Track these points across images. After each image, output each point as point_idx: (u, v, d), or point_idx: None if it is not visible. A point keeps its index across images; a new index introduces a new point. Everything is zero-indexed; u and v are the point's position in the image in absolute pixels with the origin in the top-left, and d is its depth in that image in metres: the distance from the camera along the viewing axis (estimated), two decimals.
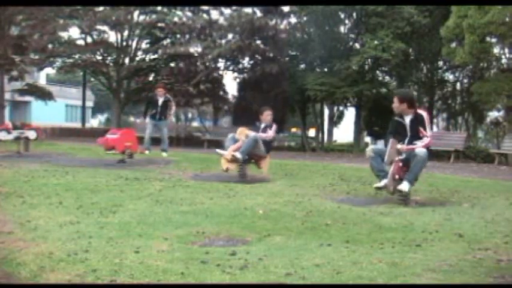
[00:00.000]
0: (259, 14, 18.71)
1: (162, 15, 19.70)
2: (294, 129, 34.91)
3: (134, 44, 21.40)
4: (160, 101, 11.47)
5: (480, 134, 22.54)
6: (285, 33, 18.66)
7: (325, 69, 18.71)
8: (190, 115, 39.91)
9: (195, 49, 19.83)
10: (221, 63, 20.67)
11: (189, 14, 19.83)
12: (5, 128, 12.10)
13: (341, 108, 27.03)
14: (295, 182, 7.00)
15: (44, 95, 21.94)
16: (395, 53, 15.77)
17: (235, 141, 7.34)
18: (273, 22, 18.56)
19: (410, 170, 5.52)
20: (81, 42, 20.83)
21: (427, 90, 21.16)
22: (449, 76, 22.05)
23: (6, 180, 6.06)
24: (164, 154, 11.10)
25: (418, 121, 5.61)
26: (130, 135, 9.29)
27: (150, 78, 22.27)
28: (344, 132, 31.00)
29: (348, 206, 5.07)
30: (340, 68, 16.82)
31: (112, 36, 21.06)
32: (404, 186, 5.41)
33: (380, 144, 7.06)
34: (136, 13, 19.91)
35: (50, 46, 19.52)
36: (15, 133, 11.13)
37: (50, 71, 31.35)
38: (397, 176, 5.49)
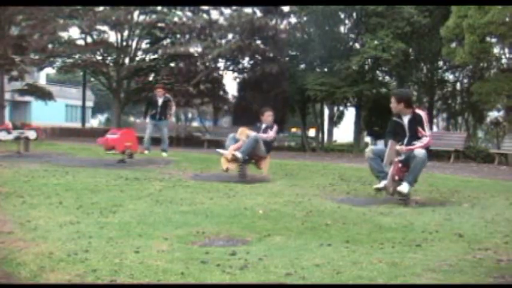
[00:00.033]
0: (259, 14, 18.71)
1: (162, 15, 19.70)
2: (294, 129, 34.91)
3: (134, 44, 21.40)
4: (160, 101, 11.48)
5: (480, 134, 22.52)
6: (285, 33, 18.66)
7: (325, 69, 18.70)
8: (190, 115, 39.92)
9: (195, 49, 19.85)
10: (221, 63, 20.68)
11: (189, 14, 19.84)
12: (5, 128, 12.09)
13: (341, 108, 27.02)
14: (295, 182, 7.00)
15: (44, 95, 21.94)
16: (395, 53, 15.76)
17: (236, 141, 7.35)
18: (273, 22, 18.57)
19: (410, 171, 5.51)
20: (81, 42, 20.84)
21: (427, 90, 21.15)
22: (449, 76, 22.05)
23: (6, 180, 6.06)
24: (164, 154, 11.11)
25: (416, 121, 5.59)
26: (130, 135, 9.29)
27: (150, 78, 22.27)
28: (344, 132, 31.00)
29: (348, 206, 5.07)
30: (340, 68, 16.82)
31: (112, 36, 21.09)
32: (404, 187, 5.41)
33: (380, 144, 7.07)
34: (136, 13, 19.92)
35: (50, 46, 19.53)
36: (15, 133, 11.12)
37: (50, 71, 31.36)
38: (396, 177, 5.49)
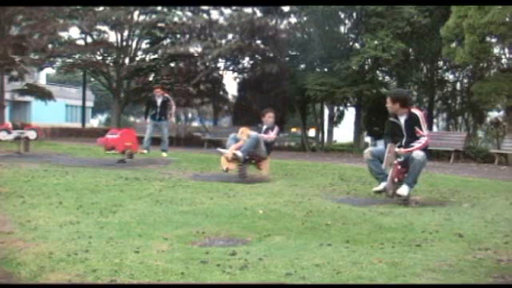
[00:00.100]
0: (259, 14, 18.73)
1: (162, 15, 19.71)
2: (294, 129, 34.91)
3: (134, 44, 21.41)
4: (159, 101, 11.49)
5: (480, 134, 22.51)
6: (285, 33, 18.66)
7: (325, 69, 18.70)
8: (190, 115, 39.91)
9: (195, 49, 19.87)
10: (221, 63, 20.69)
11: (189, 14, 19.85)
12: (5, 128, 12.10)
13: (341, 108, 27.02)
14: (295, 182, 7.00)
15: (44, 95, 21.94)
16: (395, 53, 15.76)
17: (237, 140, 7.36)
18: (273, 22, 18.57)
19: (409, 173, 5.49)
20: (81, 42, 20.86)
21: (427, 90, 21.15)
22: (449, 76, 22.05)
23: (6, 180, 6.06)
24: (164, 154, 11.11)
25: (413, 121, 5.55)
26: (130, 135, 9.30)
27: (150, 78, 22.28)
28: (344, 132, 30.99)
29: (348, 206, 5.07)
30: (340, 68, 16.82)
31: (112, 36, 21.12)
32: (403, 190, 5.39)
33: (380, 144, 7.05)
34: (136, 13, 19.93)
35: (50, 46, 19.54)
36: (15, 133, 11.14)
37: (50, 71, 31.41)
38: (396, 179, 5.48)
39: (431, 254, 3.21)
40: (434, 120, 23.65)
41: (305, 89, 17.16)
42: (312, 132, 26.61)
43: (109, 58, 21.37)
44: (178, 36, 20.11)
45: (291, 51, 19.62)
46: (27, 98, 25.96)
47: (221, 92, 22.37)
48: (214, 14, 19.65)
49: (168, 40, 20.97)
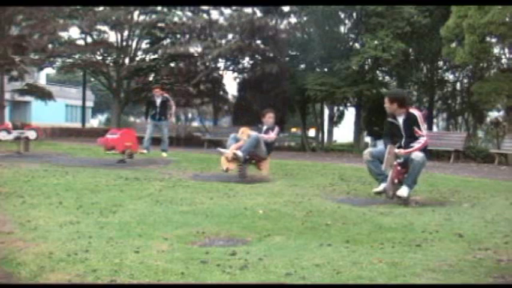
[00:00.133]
0: (259, 14, 18.72)
1: (162, 15, 19.71)
2: (294, 129, 34.91)
3: (134, 44, 21.41)
4: (158, 101, 11.50)
5: (480, 134, 22.51)
6: (285, 33, 18.66)
7: (325, 69, 18.70)
8: (190, 115, 39.92)
9: (195, 49, 19.86)
10: (221, 63, 20.69)
11: (189, 14, 19.85)
12: (5, 128, 12.09)
13: (341, 108, 27.02)
14: (295, 182, 7.00)
15: (44, 95, 21.94)
16: (395, 53, 15.76)
17: (237, 140, 7.36)
18: (273, 22, 18.57)
19: (409, 174, 5.49)
20: (81, 42, 20.86)
21: (427, 90, 21.15)
22: (449, 76, 22.05)
23: (6, 180, 6.06)
24: (164, 154, 11.11)
25: (411, 121, 5.54)
26: (130, 135, 9.30)
27: (150, 78, 22.28)
28: (344, 132, 31.00)
29: (348, 206, 5.07)
30: (340, 68, 16.82)
31: (112, 36, 21.11)
32: (403, 191, 5.39)
33: (379, 144, 7.05)
34: (136, 13, 19.93)
35: (50, 46, 19.54)
36: (15, 133, 11.13)
37: (50, 71, 31.39)
38: (396, 181, 5.48)
39: (431, 254, 3.21)
40: (434, 120, 23.66)
41: (305, 89, 17.16)
42: (312, 132, 26.61)
43: (109, 58, 21.37)
44: (178, 36, 20.10)
45: (291, 51, 19.61)
46: (27, 98, 25.97)
47: (221, 92, 22.37)
48: (214, 14, 19.69)
49: (168, 40, 20.97)
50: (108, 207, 4.58)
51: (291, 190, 6.13)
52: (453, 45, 15.02)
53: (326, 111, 25.42)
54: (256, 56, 19.24)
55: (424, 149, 5.53)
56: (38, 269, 2.74)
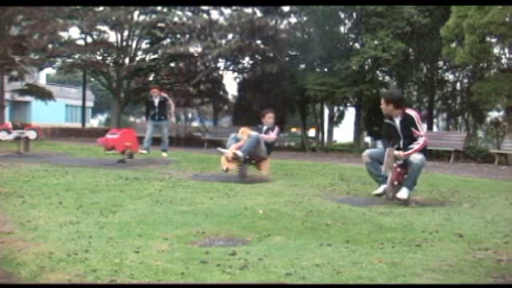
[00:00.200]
0: (259, 14, 18.72)
1: (162, 15, 19.71)
2: (294, 129, 34.91)
3: (134, 44, 21.41)
4: (156, 101, 11.50)
5: (480, 134, 22.52)
6: (285, 33, 18.66)
7: (325, 69, 18.70)
8: (190, 115, 39.91)
9: (195, 49, 19.87)
10: (221, 63, 20.70)
11: (189, 14, 19.85)
12: (5, 128, 12.09)
13: (341, 108, 27.03)
14: (295, 182, 7.00)
15: (44, 95, 21.94)
16: (395, 53, 15.76)
17: (237, 140, 7.35)
18: (273, 22, 18.57)
19: (408, 176, 5.48)
20: (81, 42, 20.86)
21: (427, 90, 21.15)
22: (449, 76, 22.06)
23: (6, 180, 6.06)
24: (164, 154, 11.11)
25: (408, 122, 5.52)
26: (130, 135, 9.30)
27: (150, 78, 22.28)
28: (344, 132, 31.01)
29: (348, 206, 5.07)
30: (340, 68, 16.82)
31: (112, 36, 21.12)
32: (403, 193, 5.38)
33: (379, 144, 7.05)
34: (136, 13, 19.94)
35: (50, 46, 19.54)
36: (15, 133, 11.13)
37: (50, 71, 31.39)
38: (396, 182, 5.47)
39: (431, 254, 3.21)
40: (434, 120, 23.66)
41: (305, 89, 17.16)
42: (312, 132, 26.61)
43: (109, 58, 21.38)
44: (178, 36, 20.11)
45: (291, 51, 19.61)
46: (27, 98, 25.97)
47: (221, 92, 22.37)
48: (214, 14, 19.69)
49: (168, 40, 20.97)
50: (108, 207, 4.58)
51: (291, 190, 6.13)
52: (453, 45, 15.03)
53: (326, 111, 25.44)
54: (256, 56, 19.24)
55: (423, 150, 5.52)
56: (38, 269, 2.74)
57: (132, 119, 44.70)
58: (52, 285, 2.57)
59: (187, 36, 19.55)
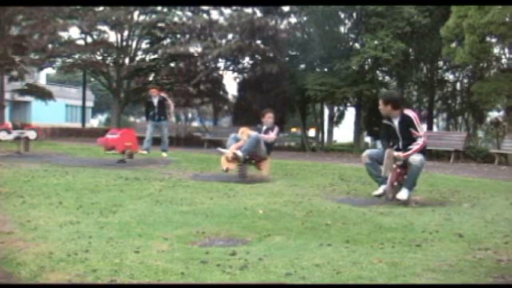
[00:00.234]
0: (259, 14, 18.72)
1: (162, 15, 19.71)
2: (294, 129, 34.91)
3: (134, 44, 21.41)
4: (155, 101, 11.50)
5: (480, 134, 22.52)
6: (285, 33, 18.66)
7: (325, 69, 18.70)
8: (190, 115, 39.92)
9: (195, 49, 19.87)
10: (221, 63, 20.69)
11: (189, 14, 19.84)
12: (5, 128, 12.09)
13: (341, 108, 27.02)
14: (295, 182, 7.00)
15: (44, 95, 21.94)
16: (395, 53, 15.77)
17: (237, 140, 7.36)
18: (273, 22, 18.56)
19: (408, 177, 5.47)
20: (81, 42, 20.85)
21: (427, 90, 21.16)
22: (449, 76, 22.06)
23: (6, 180, 6.06)
24: (164, 154, 11.11)
25: (406, 122, 5.51)
26: (130, 135, 9.30)
27: (150, 78, 22.28)
28: (344, 132, 31.01)
29: (348, 206, 5.07)
30: (340, 68, 16.82)
31: (112, 36, 21.12)
32: (403, 194, 5.37)
33: (379, 144, 7.04)
34: (136, 13, 19.93)
35: (50, 46, 19.54)
36: (15, 133, 11.12)
37: (50, 71, 31.38)
38: (396, 183, 5.47)
39: (431, 254, 3.21)
40: (434, 120, 23.66)
41: (305, 89, 17.16)
42: (312, 132, 26.61)
43: (109, 58, 21.38)
44: (178, 36, 20.10)
45: (291, 51, 19.62)
46: (27, 98, 25.98)
47: (221, 92, 22.36)
48: (214, 14, 19.68)
49: (168, 40, 20.97)
50: (108, 207, 4.58)
51: (291, 190, 6.13)
52: (453, 45, 15.03)
53: (326, 111, 25.44)
54: (256, 56, 19.24)
55: (422, 150, 5.51)
56: (38, 269, 2.74)
57: (132, 119, 44.71)
58: (52, 285, 2.57)
59: (187, 36, 19.54)
